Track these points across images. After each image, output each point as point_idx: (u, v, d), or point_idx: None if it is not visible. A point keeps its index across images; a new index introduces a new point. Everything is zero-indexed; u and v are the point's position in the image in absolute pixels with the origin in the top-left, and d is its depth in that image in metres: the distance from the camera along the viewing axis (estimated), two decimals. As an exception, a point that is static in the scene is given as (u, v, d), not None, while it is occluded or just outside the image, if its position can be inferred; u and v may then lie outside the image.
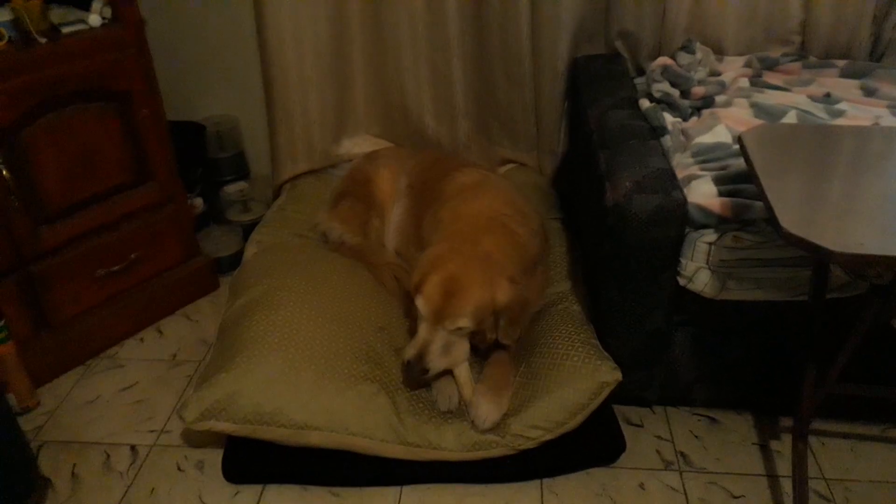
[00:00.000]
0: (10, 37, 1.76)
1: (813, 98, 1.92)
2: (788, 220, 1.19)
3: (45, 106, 1.80)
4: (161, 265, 2.19)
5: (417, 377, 1.62)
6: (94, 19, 1.87)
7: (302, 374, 1.66)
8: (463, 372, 1.67)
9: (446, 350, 1.62)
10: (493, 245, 1.66)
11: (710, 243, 1.54)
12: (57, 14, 1.87)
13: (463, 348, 1.65)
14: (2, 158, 1.75)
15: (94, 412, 1.91)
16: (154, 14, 2.03)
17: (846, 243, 1.13)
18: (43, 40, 1.79)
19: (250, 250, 2.15)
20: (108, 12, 1.90)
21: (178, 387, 1.98)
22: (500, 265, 1.63)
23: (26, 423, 1.86)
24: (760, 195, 1.30)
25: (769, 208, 1.24)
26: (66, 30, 1.83)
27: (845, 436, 1.76)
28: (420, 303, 1.59)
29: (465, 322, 1.58)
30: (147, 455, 1.78)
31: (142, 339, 2.17)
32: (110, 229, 2.03)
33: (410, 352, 1.60)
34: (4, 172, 1.76)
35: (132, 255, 2.09)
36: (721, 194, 1.57)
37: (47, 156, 1.84)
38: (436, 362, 1.61)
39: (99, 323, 2.08)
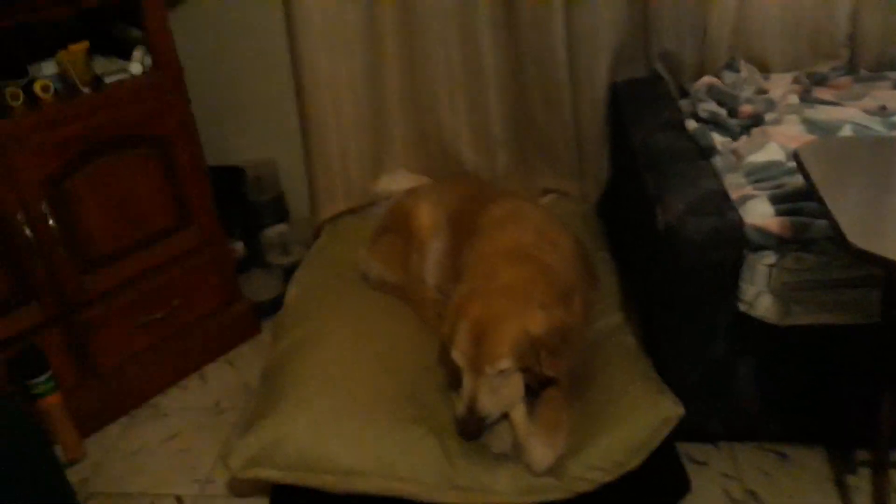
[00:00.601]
0: (56, 88, 1.79)
1: (868, 111, 1.85)
2: (856, 235, 1.13)
3: (89, 154, 1.83)
4: (203, 310, 2.18)
5: (476, 429, 1.53)
6: (136, 67, 1.90)
7: (347, 417, 1.62)
8: (518, 411, 1.60)
9: (496, 394, 1.53)
10: (513, 276, 1.58)
11: (770, 265, 1.47)
12: (100, 64, 1.91)
13: (515, 387, 1.57)
14: (48, 208, 1.77)
15: (139, 462, 1.89)
16: (192, 60, 2.06)
17: (922, 257, 1.06)
18: (87, 90, 1.82)
19: (291, 292, 2.14)
20: (148, 61, 1.93)
21: (222, 435, 1.95)
22: (525, 295, 1.55)
23: (73, 476, 1.83)
24: (823, 211, 1.23)
25: (834, 224, 1.17)
26: (109, 79, 1.87)
27: (930, 468, 1.64)
28: (456, 356, 1.53)
29: (504, 363, 1.50)
30: (193, 505, 1.74)
31: (185, 387, 2.15)
32: (153, 275, 2.03)
33: (461, 408, 1.53)
34: (51, 222, 1.77)
35: (174, 302, 2.09)
36: (779, 213, 1.51)
37: (91, 203, 1.86)
38: (490, 409, 1.52)
39: (142, 371, 2.07)
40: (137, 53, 1.92)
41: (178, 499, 1.77)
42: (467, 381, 1.53)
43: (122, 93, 1.87)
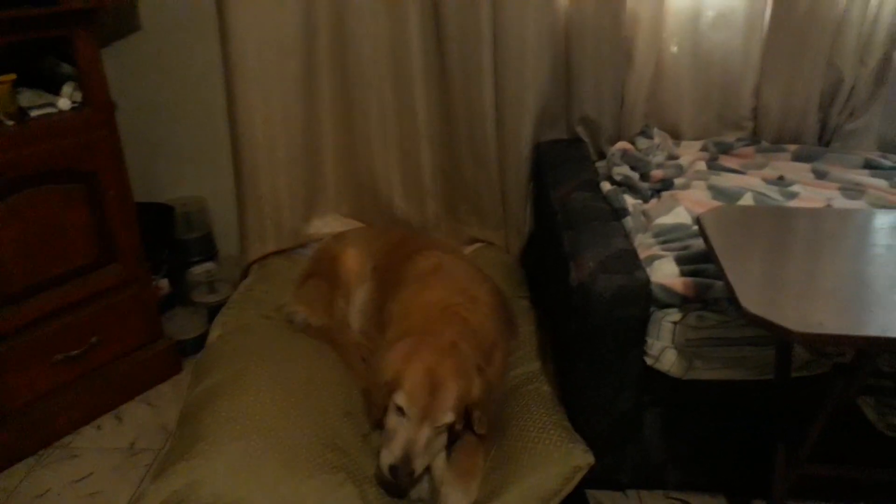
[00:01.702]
0: (-24, 120, 1.76)
1: (767, 181, 2.00)
2: (749, 300, 1.21)
3: (9, 187, 1.79)
4: (122, 348, 2.13)
5: (404, 484, 1.55)
6: (64, 103, 1.89)
7: (265, 462, 1.60)
8: (439, 460, 1.63)
9: (430, 446, 1.57)
10: (455, 335, 1.65)
11: (674, 322, 1.56)
12: (26, 97, 1.89)
13: (442, 443, 1.62)
14: (-39, 241, 1.72)
15: (43, 506, 1.82)
16: (123, 96, 2.06)
17: (806, 323, 1.15)
18: (10, 123, 1.79)
19: (215, 333, 2.11)
20: (78, 96, 1.92)
21: (136, 477, 1.90)
22: (467, 355, 1.62)
23: (-31, 520, 1.76)
24: (721, 275, 1.32)
25: (730, 288, 1.27)
26: (35, 112, 1.85)
27: (820, 517, 1.74)
28: (402, 400, 1.55)
29: (450, 417, 1.55)
30: (99, 552, 1.69)
31: (99, 427, 2.08)
32: (71, 312, 1.98)
33: (395, 454, 1.53)
34: (-37, 255, 1.72)
35: (92, 339, 2.04)
36: (683, 274, 1.60)
37: (8, 236, 1.81)
38: (421, 463, 1.55)
39: (54, 409, 2.00)
40: (67, 89, 1.91)
41: (84, 545, 1.71)
42: (409, 427, 1.54)
43: (47, 127, 1.84)
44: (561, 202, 1.88)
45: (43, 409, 1.98)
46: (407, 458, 1.52)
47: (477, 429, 1.62)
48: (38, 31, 1.81)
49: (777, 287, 1.32)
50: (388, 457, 1.55)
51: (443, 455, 1.64)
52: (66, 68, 1.95)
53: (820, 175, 2.05)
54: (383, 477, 1.57)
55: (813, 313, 1.20)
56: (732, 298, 1.24)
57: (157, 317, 2.23)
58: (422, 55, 2.26)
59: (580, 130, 2.30)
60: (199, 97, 2.48)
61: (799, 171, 2.06)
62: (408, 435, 1.54)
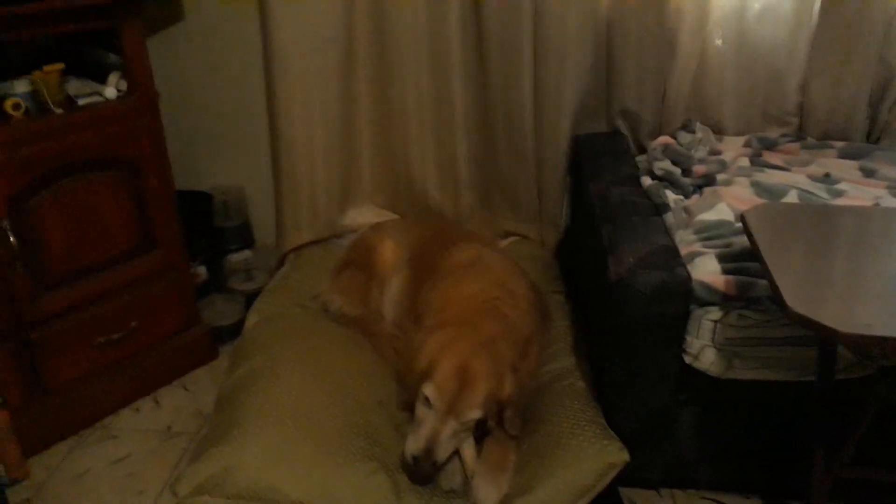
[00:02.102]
0: (27, 107, 1.80)
1: (813, 178, 1.95)
2: (794, 300, 1.19)
3: (56, 174, 1.83)
4: (161, 334, 2.17)
5: (426, 473, 1.56)
6: (110, 91, 1.92)
7: (299, 449, 1.62)
8: (468, 449, 1.63)
9: (454, 440, 1.58)
10: (494, 330, 1.64)
11: (715, 321, 1.54)
12: (74, 86, 1.93)
13: (468, 435, 1.62)
14: (10, 225, 1.76)
15: (84, 485, 1.86)
16: (166, 85, 2.09)
17: (853, 324, 1.13)
18: (59, 111, 1.83)
19: (251, 320, 2.14)
20: (123, 85, 1.95)
21: (172, 460, 1.94)
22: (504, 353, 1.61)
23: (13, 496, 1.80)
24: (765, 274, 1.29)
25: (774, 287, 1.24)
26: (82, 101, 1.88)
27: (858, 522, 1.70)
28: (431, 392, 1.55)
29: (477, 413, 1.55)
30: (136, 532, 1.73)
31: (137, 409, 2.13)
32: (112, 297, 2.02)
33: (418, 445, 1.54)
34: (11, 239, 1.76)
35: (132, 323, 2.08)
36: (725, 272, 1.58)
37: (55, 222, 1.86)
38: (444, 455, 1.56)
39: (94, 392, 2.05)
40: (113, 78, 1.95)
41: (122, 524, 1.75)
42: (433, 420, 1.55)
43: (94, 115, 1.88)
44: (600, 196, 1.85)
45: (84, 391, 2.03)
46: (429, 450, 1.53)
47: (508, 429, 1.62)
48: (86, 23, 1.84)
49: (823, 287, 1.28)
50: (412, 446, 1.56)
51: (472, 446, 1.64)
52: (112, 58, 1.99)
53: (868, 173, 1.99)
54: (407, 463, 1.58)
55: (859, 314, 1.18)
56: (777, 297, 1.22)
57: (194, 303, 2.26)
58: (460, 46, 2.25)
59: (620, 124, 2.27)
60: (239, 88, 2.50)
61: (846, 169, 2.01)
62: (432, 427, 1.55)
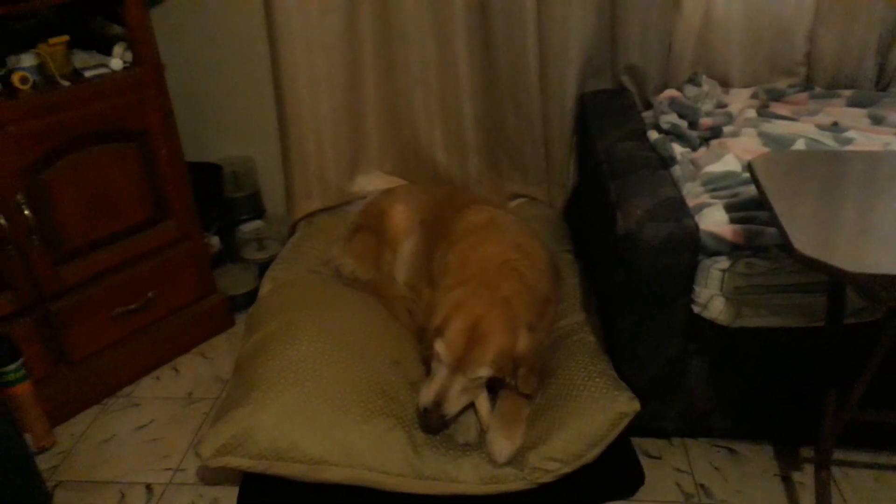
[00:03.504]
0: (34, 80, 1.81)
1: (821, 127, 1.94)
2: (802, 242, 1.20)
3: (66, 147, 1.85)
4: (177, 303, 2.21)
5: (435, 424, 1.61)
6: (116, 63, 1.93)
7: (317, 408, 1.66)
8: (483, 403, 1.67)
9: (464, 395, 1.62)
10: (510, 290, 1.66)
11: (723, 270, 1.55)
12: (80, 58, 1.94)
13: (480, 390, 1.65)
14: (24, 198, 1.78)
15: (109, 451, 1.91)
16: (173, 57, 2.10)
17: (861, 263, 1.14)
18: (66, 83, 1.84)
19: (265, 287, 2.17)
20: (129, 56, 1.96)
21: (194, 425, 1.98)
22: (520, 312, 1.63)
23: (42, 463, 1.85)
24: (772, 219, 1.30)
25: (782, 231, 1.25)
26: (88, 73, 1.89)
27: (868, 465, 1.73)
28: (441, 348, 1.59)
29: (486, 371, 1.58)
30: (162, 494, 1.77)
31: (157, 378, 2.17)
32: (128, 267, 2.06)
33: (428, 398, 1.60)
34: (26, 212, 1.79)
35: (149, 294, 2.11)
36: (733, 221, 1.58)
37: (68, 195, 1.88)
38: (454, 408, 1.61)
39: (115, 361, 2.09)
40: (118, 49, 1.95)
41: (148, 487, 1.79)
42: (442, 375, 1.60)
43: (101, 87, 1.89)
44: (606, 151, 1.86)
45: (105, 361, 2.07)
46: (437, 403, 1.59)
47: (521, 387, 1.65)
48: (89, -7, 1.85)
49: (831, 229, 1.29)
50: (423, 398, 1.62)
51: (487, 400, 1.68)
52: (116, 29, 1.99)
53: (876, 120, 1.98)
54: (419, 413, 1.64)
55: (868, 254, 1.18)
56: (785, 241, 1.23)
57: (209, 272, 2.29)
58: (464, 8, 2.24)
59: (625, 80, 2.25)
60: (244, 57, 2.50)
61: (854, 117, 1.99)
62: (442, 382, 1.59)
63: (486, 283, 1.67)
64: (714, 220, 1.59)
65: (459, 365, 1.57)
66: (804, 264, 1.18)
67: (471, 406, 1.68)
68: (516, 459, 1.60)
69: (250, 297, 2.33)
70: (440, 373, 1.60)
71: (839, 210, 1.35)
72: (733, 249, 1.55)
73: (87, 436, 1.96)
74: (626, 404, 1.61)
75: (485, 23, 2.25)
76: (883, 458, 1.74)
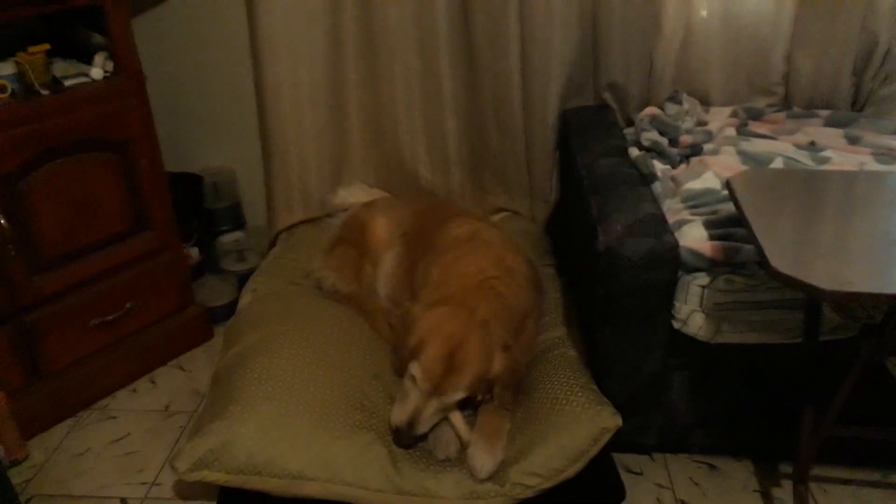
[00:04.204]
0: (13, 89, 1.80)
1: (798, 146, 1.97)
2: (778, 260, 1.21)
3: (45, 156, 1.83)
4: (156, 315, 2.19)
5: (407, 442, 1.62)
6: (97, 72, 1.91)
7: (296, 422, 1.64)
8: (457, 417, 1.66)
9: (436, 415, 1.63)
10: (488, 311, 1.65)
11: (703, 286, 1.56)
12: (60, 67, 1.92)
13: (453, 409, 1.65)
14: (1, 207, 1.76)
15: (84, 465, 1.88)
16: (154, 67, 2.09)
17: (836, 281, 1.15)
18: (45, 92, 1.83)
19: (245, 299, 2.15)
20: (110, 66, 1.95)
21: (171, 438, 1.96)
22: (496, 334, 1.63)
23: (14, 476, 1.82)
24: (750, 236, 1.32)
25: (759, 248, 1.26)
26: (68, 83, 1.88)
27: (846, 482, 1.74)
28: (417, 372, 1.58)
29: (460, 395, 1.59)
30: (137, 508, 1.75)
31: (134, 390, 2.14)
32: (106, 278, 2.03)
33: (401, 419, 1.60)
34: (2, 221, 1.77)
35: (127, 305, 2.09)
36: (712, 238, 1.60)
37: (46, 204, 1.86)
38: (425, 428, 1.62)
39: (91, 373, 2.06)
40: (99, 59, 1.94)
41: (123, 501, 1.76)
42: (416, 398, 1.60)
43: (81, 96, 1.87)
44: (588, 167, 1.87)
45: (81, 373, 2.04)
46: (410, 425, 1.59)
47: (498, 404, 1.66)
48: (70, 1, 1.84)
49: (807, 248, 1.31)
50: (396, 417, 1.62)
51: (459, 414, 1.67)
52: (98, 38, 1.98)
53: (853, 140, 2.01)
54: (391, 431, 1.64)
55: (843, 273, 1.20)
56: (762, 258, 1.24)
57: (188, 284, 2.27)
58: (447, 23, 2.25)
59: (607, 97, 2.27)
60: (226, 67, 2.50)
61: (831, 137, 2.03)
62: (415, 404, 1.59)
63: (463, 303, 1.66)
64: (693, 237, 1.60)
65: (435, 390, 1.58)
66: (780, 281, 1.20)
67: (447, 421, 1.67)
68: (497, 474, 1.59)
69: (229, 309, 2.31)
70: (413, 394, 1.60)
71: (816, 228, 1.37)
72: (712, 266, 1.57)
73: (61, 449, 1.93)
74: (609, 419, 1.61)
75: (468, 39, 2.26)
76: (861, 474, 1.76)
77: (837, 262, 1.25)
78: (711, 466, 1.81)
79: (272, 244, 2.50)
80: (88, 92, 1.89)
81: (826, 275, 1.17)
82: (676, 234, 1.59)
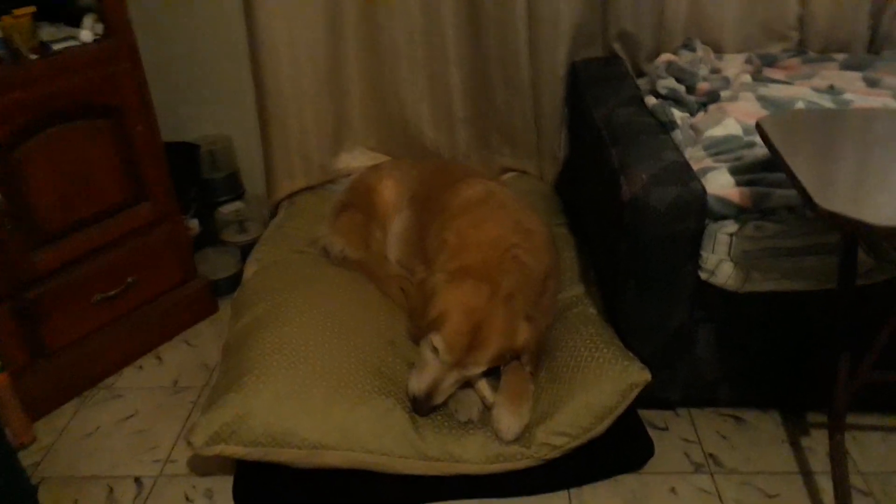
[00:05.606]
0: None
1: (817, 90, 1.92)
2: (824, 199, 1.16)
3: (38, 123, 1.74)
4: (158, 288, 2.12)
5: (425, 410, 1.58)
6: (86, 35, 1.82)
7: (313, 391, 1.59)
8: (481, 381, 1.62)
9: (455, 385, 1.59)
10: (512, 285, 1.58)
11: (731, 234, 1.51)
12: (47, 32, 1.82)
13: (475, 380, 1.62)
14: (-6, 180, 1.68)
15: (93, 445, 1.82)
16: (146, 33, 1.99)
17: (888, 217, 1.10)
18: (34, 57, 1.74)
19: (250, 269, 2.09)
20: (99, 28, 1.85)
21: (181, 414, 1.90)
22: (519, 308, 1.58)
23: (23, 460, 1.75)
24: (789, 177, 1.26)
25: (800, 188, 1.21)
26: (57, 46, 1.78)
27: (875, 428, 1.72)
28: (439, 343, 1.53)
29: (482, 368, 1.56)
30: (153, 487, 1.69)
31: (140, 367, 2.08)
32: (106, 251, 1.96)
33: (420, 388, 1.56)
34: (-3, 194, 1.69)
35: (129, 279, 2.02)
36: (739, 184, 1.54)
37: (41, 175, 1.77)
38: (443, 397, 1.58)
39: (96, 351, 1.99)
40: (88, 20, 1.84)
41: (137, 480, 1.71)
42: (436, 368, 1.55)
43: (72, 60, 1.78)
44: (605, 119, 1.80)
45: (85, 351, 1.97)
46: (429, 395, 1.55)
47: (524, 366, 1.62)
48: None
49: (846, 185, 1.26)
50: (414, 386, 1.57)
51: (483, 378, 1.63)
52: (85, 0, 1.88)
53: (871, 83, 1.95)
54: (409, 399, 1.60)
55: (887, 207, 1.15)
56: (805, 198, 1.19)
57: (190, 256, 2.20)
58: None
59: (618, 47, 2.20)
60: (221, 31, 2.39)
61: (849, 80, 1.97)
62: (435, 375, 1.55)
63: (487, 276, 1.58)
64: (720, 184, 1.55)
65: (457, 363, 1.54)
66: (827, 220, 1.14)
67: (470, 384, 1.63)
68: (523, 436, 1.55)
69: (233, 282, 2.25)
70: (434, 364, 1.56)
71: (853, 166, 1.32)
72: (740, 213, 1.51)
73: (68, 430, 1.87)
74: (637, 374, 1.57)
75: (472, -9, 2.18)
76: (888, 420, 1.73)
77: (880, 196, 1.19)
78: (738, 419, 1.77)
79: (273, 213, 2.44)
80: (78, 55, 1.80)
81: (876, 211, 1.12)
82: (702, 182, 1.53)
